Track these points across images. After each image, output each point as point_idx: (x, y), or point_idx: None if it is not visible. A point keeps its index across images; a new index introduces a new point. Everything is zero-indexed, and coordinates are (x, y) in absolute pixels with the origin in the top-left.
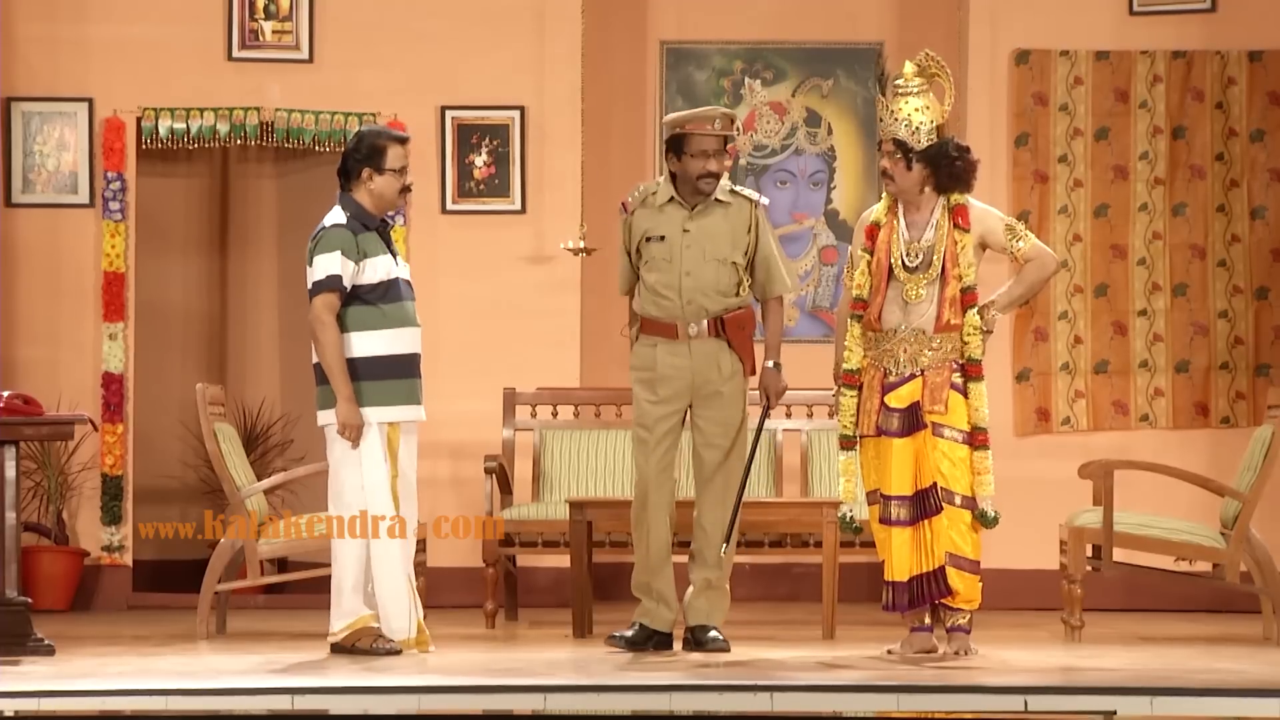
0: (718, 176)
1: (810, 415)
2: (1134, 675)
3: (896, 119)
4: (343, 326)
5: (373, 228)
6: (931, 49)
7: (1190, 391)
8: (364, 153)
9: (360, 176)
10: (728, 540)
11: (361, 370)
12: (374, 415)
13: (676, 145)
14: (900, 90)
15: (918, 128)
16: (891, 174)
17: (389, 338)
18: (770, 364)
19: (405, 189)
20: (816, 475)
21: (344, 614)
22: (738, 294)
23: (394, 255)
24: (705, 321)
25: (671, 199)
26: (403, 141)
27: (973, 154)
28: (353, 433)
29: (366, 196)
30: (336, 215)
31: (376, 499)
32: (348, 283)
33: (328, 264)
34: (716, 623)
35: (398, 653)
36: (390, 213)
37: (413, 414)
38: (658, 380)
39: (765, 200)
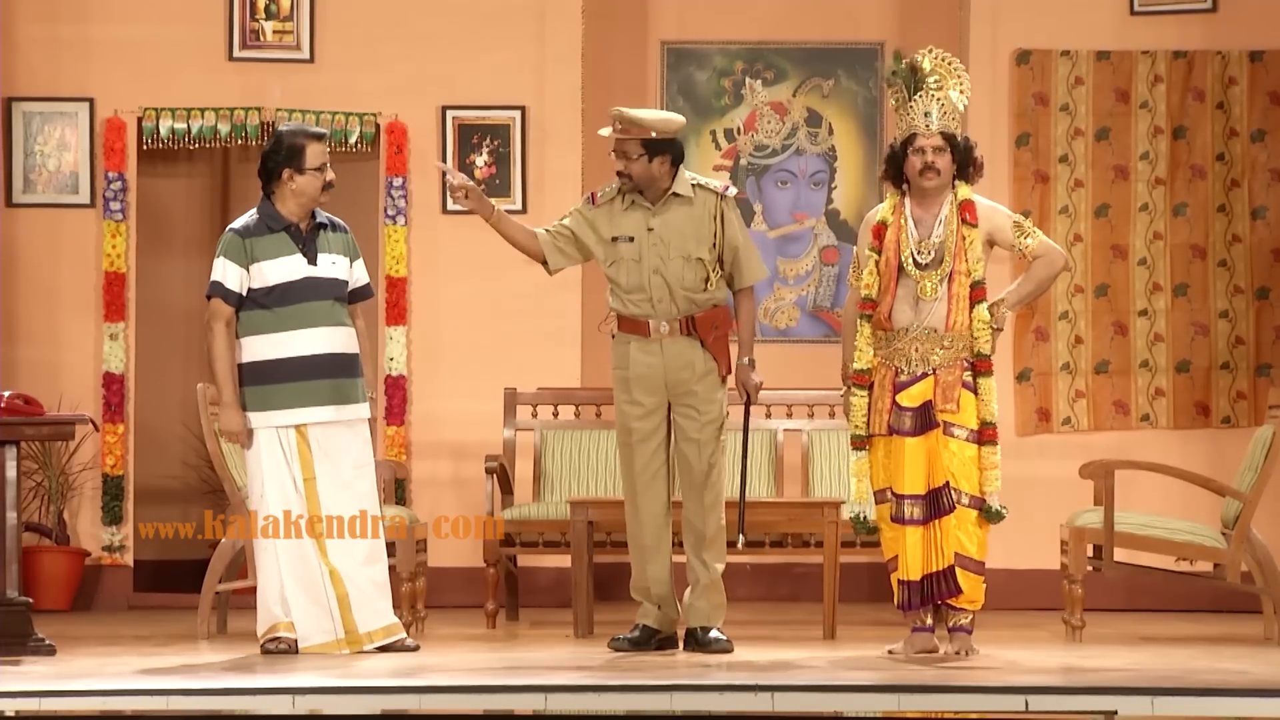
0: (627, 177)
1: (811, 415)
2: (1135, 675)
3: (944, 110)
4: (239, 330)
5: (280, 229)
6: (932, 49)
7: (1191, 391)
8: (283, 154)
9: (281, 177)
10: (742, 532)
11: (247, 375)
12: (258, 420)
13: None
14: (933, 85)
15: (956, 119)
16: (938, 168)
17: (279, 340)
18: (745, 361)
19: (328, 185)
20: (817, 475)
21: (260, 619)
22: (707, 289)
23: (313, 256)
24: (676, 320)
25: (634, 201)
26: (321, 139)
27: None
28: (232, 438)
29: (289, 197)
30: (239, 220)
31: (258, 504)
32: (236, 288)
33: (214, 270)
34: (717, 623)
35: (287, 652)
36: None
37: (311, 416)
38: (632, 380)
39: (733, 190)
